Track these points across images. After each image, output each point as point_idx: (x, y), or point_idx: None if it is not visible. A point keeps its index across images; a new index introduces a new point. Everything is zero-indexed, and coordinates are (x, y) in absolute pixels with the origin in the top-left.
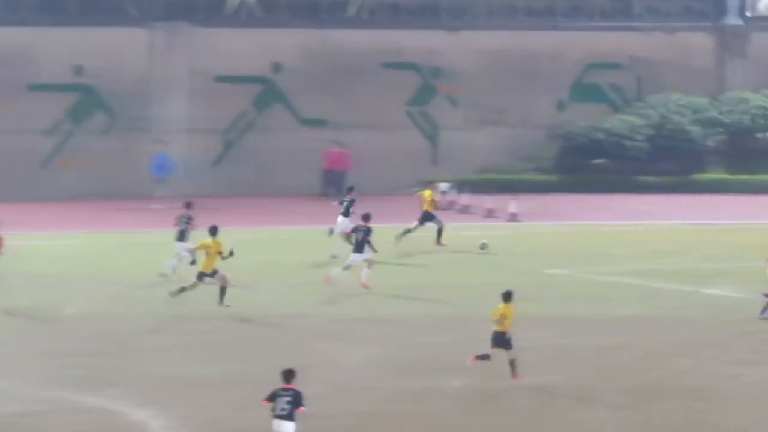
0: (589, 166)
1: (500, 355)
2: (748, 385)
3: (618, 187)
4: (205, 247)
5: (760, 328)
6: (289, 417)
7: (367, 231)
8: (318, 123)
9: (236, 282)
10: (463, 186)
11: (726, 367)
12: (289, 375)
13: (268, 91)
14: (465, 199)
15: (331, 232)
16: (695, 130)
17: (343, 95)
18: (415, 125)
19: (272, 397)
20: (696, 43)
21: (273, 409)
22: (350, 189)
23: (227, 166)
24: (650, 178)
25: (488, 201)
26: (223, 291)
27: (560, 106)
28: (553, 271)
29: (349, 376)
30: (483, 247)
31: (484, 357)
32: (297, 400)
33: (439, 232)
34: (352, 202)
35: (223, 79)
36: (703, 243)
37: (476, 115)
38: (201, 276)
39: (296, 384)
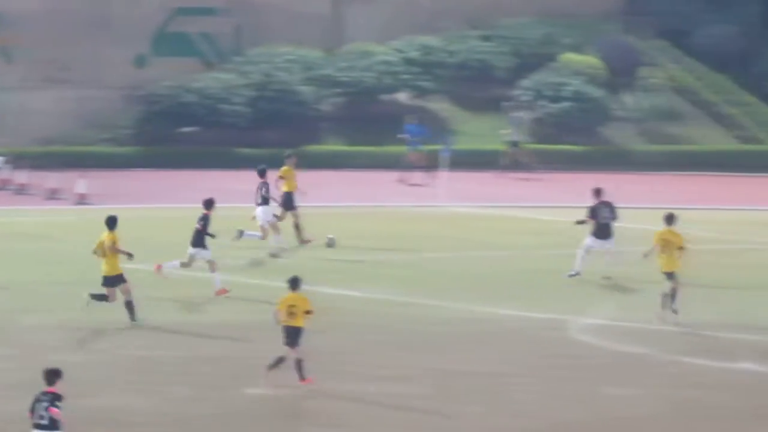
0: (176, 135)
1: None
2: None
3: (212, 161)
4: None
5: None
6: (51, 426)
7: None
8: None
9: None
10: (20, 160)
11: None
12: (52, 375)
13: None
14: (23, 176)
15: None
16: (307, 91)
17: None
18: None
19: (33, 406)
20: None
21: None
22: (262, 171)
23: None
24: (251, 151)
25: (51, 179)
26: (129, 306)
27: (140, 62)
28: (129, 264)
29: None
30: (330, 243)
31: (279, 361)
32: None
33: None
34: (266, 186)
35: None
36: (308, 230)
37: (35, 73)
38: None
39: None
